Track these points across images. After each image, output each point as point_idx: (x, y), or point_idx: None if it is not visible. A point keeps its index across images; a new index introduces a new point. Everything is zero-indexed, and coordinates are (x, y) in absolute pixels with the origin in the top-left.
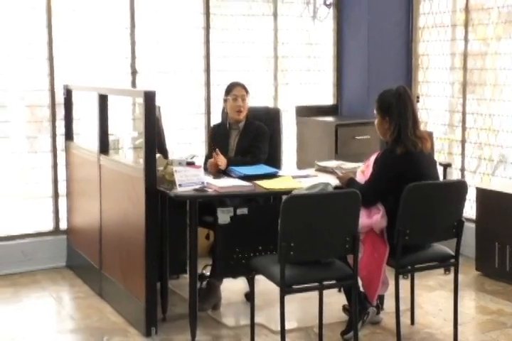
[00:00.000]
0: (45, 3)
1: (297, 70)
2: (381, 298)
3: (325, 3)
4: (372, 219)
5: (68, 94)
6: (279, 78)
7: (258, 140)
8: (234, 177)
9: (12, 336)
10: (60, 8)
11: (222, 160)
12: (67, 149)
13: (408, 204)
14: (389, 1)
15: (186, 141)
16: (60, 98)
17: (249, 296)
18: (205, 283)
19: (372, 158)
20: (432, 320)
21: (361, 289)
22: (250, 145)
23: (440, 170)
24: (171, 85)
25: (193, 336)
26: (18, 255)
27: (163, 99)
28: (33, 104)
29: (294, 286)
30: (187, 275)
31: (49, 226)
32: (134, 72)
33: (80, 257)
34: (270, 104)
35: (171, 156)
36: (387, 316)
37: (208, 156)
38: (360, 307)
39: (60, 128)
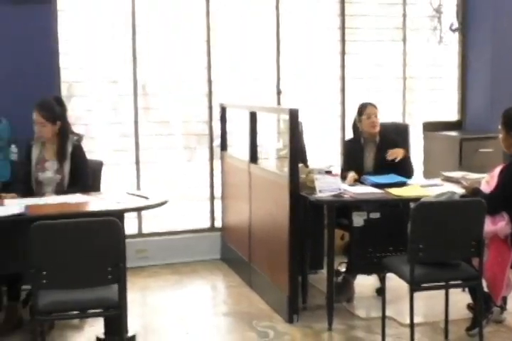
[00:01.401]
0: (205, 33)
1: (423, 89)
2: (505, 299)
3: (450, 28)
4: (497, 225)
5: (223, 111)
6: (407, 97)
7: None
8: (367, 185)
9: (178, 316)
10: (217, 38)
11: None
12: (222, 158)
13: None
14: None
15: (324, 152)
16: (216, 114)
17: (381, 291)
18: (340, 278)
19: (498, 170)
20: None
21: (485, 289)
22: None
23: None
24: (310, 103)
25: (330, 324)
26: (181, 248)
27: (304, 116)
28: (191, 119)
29: (423, 284)
30: (324, 271)
31: (206, 224)
32: (279, 92)
33: (232, 251)
34: (399, 121)
35: (312, 166)
36: (510, 316)
37: (344, 167)
38: (485, 307)
39: (216, 141)
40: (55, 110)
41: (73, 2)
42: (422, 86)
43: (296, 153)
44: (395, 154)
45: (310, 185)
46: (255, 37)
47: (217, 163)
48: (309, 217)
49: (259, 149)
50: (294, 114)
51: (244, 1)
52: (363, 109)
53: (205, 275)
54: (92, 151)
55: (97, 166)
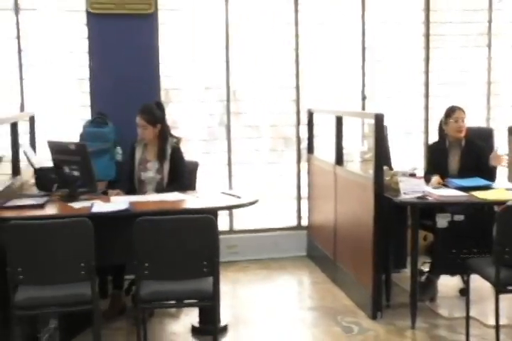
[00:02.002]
0: (293, 42)
1: (508, 94)
2: None
3: None
4: None
5: (310, 116)
6: (492, 101)
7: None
8: (451, 188)
9: (266, 308)
10: (305, 45)
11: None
12: (309, 161)
13: None
14: None
15: (407, 156)
16: (303, 119)
17: (464, 292)
18: (423, 277)
19: None
20: None
21: None
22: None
23: None
24: (394, 108)
25: (413, 322)
26: (269, 244)
27: (388, 120)
28: (279, 124)
29: (509, 287)
30: (407, 270)
31: (293, 222)
32: (364, 98)
33: (318, 249)
34: (483, 125)
35: (396, 168)
36: None
37: (428, 170)
38: None
39: (303, 144)
40: (156, 114)
41: (172, 16)
42: (507, 91)
43: (381, 156)
44: (499, 160)
45: (394, 186)
46: (342, 45)
47: (303, 165)
48: (392, 218)
49: (344, 152)
50: (379, 119)
51: (330, 10)
52: (451, 112)
53: (292, 271)
54: (188, 152)
55: (193, 167)
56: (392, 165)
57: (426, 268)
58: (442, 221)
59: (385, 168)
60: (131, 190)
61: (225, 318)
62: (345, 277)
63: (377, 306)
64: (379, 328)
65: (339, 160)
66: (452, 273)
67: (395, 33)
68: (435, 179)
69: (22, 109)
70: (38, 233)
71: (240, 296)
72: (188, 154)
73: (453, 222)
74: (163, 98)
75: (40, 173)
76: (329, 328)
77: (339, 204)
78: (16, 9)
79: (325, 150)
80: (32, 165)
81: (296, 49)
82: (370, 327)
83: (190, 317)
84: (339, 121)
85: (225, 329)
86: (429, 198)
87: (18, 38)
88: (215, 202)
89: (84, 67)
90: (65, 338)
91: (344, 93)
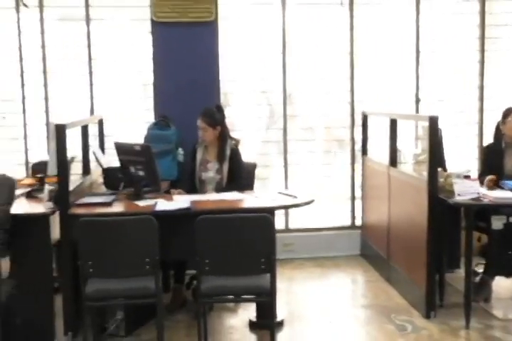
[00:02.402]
0: (348, 46)
1: None
2: None
3: None
4: None
5: (365, 118)
6: None
7: None
8: (506, 190)
9: (320, 305)
10: (359, 49)
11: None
12: (363, 162)
13: None
14: None
15: (461, 158)
16: (357, 121)
17: None
18: (478, 278)
19: None
20: None
21: None
22: None
23: None
24: (448, 110)
25: (467, 323)
26: (323, 243)
27: (442, 123)
28: (332, 126)
29: None
30: (460, 270)
31: (347, 222)
32: (417, 101)
33: (371, 248)
34: None
35: (450, 170)
36: None
37: (482, 172)
38: None
39: (357, 145)
40: (216, 117)
41: (231, 23)
42: None
43: (436, 158)
44: None
45: (449, 188)
46: (396, 48)
47: (357, 166)
48: (446, 219)
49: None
50: (433, 121)
51: (384, 14)
52: (508, 112)
53: (346, 269)
54: (246, 154)
55: (251, 168)
56: (447, 167)
57: (480, 269)
58: (498, 223)
59: (440, 169)
60: (192, 190)
61: (281, 314)
62: (398, 276)
63: (431, 305)
64: (432, 327)
65: (393, 161)
66: (507, 275)
67: (450, 36)
68: (489, 178)
69: (92, 112)
70: (106, 229)
71: (295, 293)
72: (246, 155)
73: (508, 223)
74: (222, 101)
75: (108, 173)
76: (383, 326)
77: (393, 205)
78: (87, 20)
79: (379, 151)
80: (100, 165)
81: (351, 53)
82: (424, 326)
83: (248, 311)
84: (393, 123)
85: (281, 324)
86: (484, 200)
87: (89, 46)
88: (272, 202)
89: (149, 72)
90: (130, 329)
91: (397, 95)
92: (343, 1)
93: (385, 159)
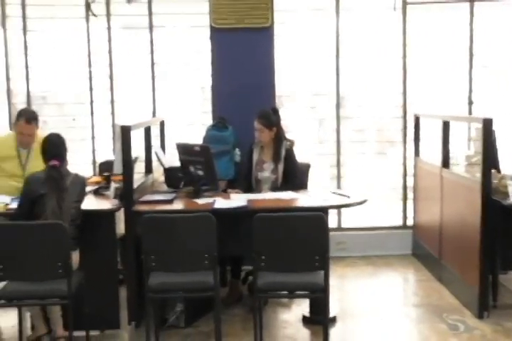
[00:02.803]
0: (401, 51)
1: None
2: None
3: None
4: None
5: (417, 120)
6: None
7: None
8: None
9: (372, 303)
10: (412, 53)
11: None
12: (415, 163)
13: None
14: None
15: None
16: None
17: None
18: None
19: None
20: None
21: None
22: None
23: None
24: (500, 112)
25: None
26: (375, 242)
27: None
28: (384, 128)
29: None
30: None
31: (399, 221)
32: (470, 103)
33: (423, 248)
34: None
35: (504, 172)
36: None
37: None
38: None
39: (409, 147)
40: (272, 119)
41: (287, 28)
42: None
43: (489, 159)
44: None
45: (503, 190)
46: (449, 51)
47: (409, 167)
48: (500, 220)
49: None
50: (487, 123)
51: (440, 18)
52: None
53: (397, 268)
54: (300, 154)
55: (305, 168)
56: (501, 169)
57: None
58: None
59: (493, 171)
60: (248, 189)
61: (333, 310)
62: (450, 276)
63: (484, 306)
64: (485, 328)
65: (446, 163)
66: None
67: (503, 39)
68: None
69: (154, 115)
70: (168, 225)
71: (347, 290)
72: (301, 156)
73: None
74: (276, 103)
75: (169, 172)
76: (435, 325)
77: (445, 206)
78: (150, 27)
79: (430, 153)
80: (162, 164)
81: (404, 56)
82: (477, 326)
83: (301, 307)
84: (446, 125)
85: (334, 320)
86: None
87: (152, 52)
88: (326, 201)
89: (207, 76)
90: (189, 320)
91: (450, 98)
92: (396, 5)
93: (438, 160)
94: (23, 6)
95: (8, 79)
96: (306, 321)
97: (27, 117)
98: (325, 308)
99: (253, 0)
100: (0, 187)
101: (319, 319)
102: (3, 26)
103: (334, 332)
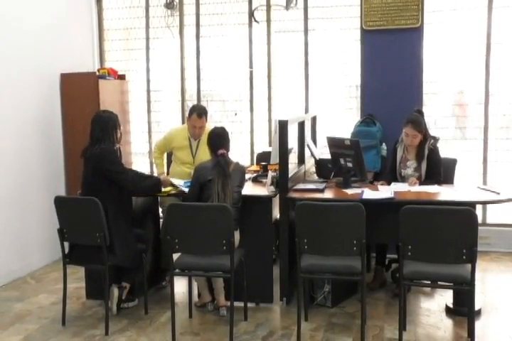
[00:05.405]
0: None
1: None
2: None
3: None
4: None
5: None
6: None
7: None
8: None
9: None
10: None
11: None
12: None
13: None
14: None
15: None
16: None
17: None
18: None
19: None
20: None
21: None
22: None
23: None
24: None
25: None
26: None
27: None
28: None
29: None
30: None
31: None
32: None
33: None
34: None
35: None
36: None
37: None
38: None
39: None
40: (423, 123)
41: (436, 29)
42: None
43: None
44: None
45: None
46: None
47: None
48: None
49: None
50: None
51: None
52: None
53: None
54: (445, 150)
55: (451, 163)
56: None
57: None
58: None
59: None
60: (393, 182)
61: (477, 303)
62: None
63: None
64: None
65: None
66: None
67: None
68: None
69: (306, 111)
70: (320, 213)
71: (490, 284)
72: (446, 152)
73: None
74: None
75: (320, 163)
76: None
77: None
78: (305, 31)
79: None
80: (314, 156)
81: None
82: None
83: (443, 297)
84: None
85: (479, 313)
86: None
87: (306, 54)
88: (473, 196)
89: (355, 75)
90: (335, 301)
91: None
92: None
93: None
94: (197, 15)
95: (182, 79)
96: (449, 311)
97: (199, 112)
98: (471, 301)
99: (403, 2)
100: (175, 172)
101: (464, 311)
102: (181, 34)
103: (478, 325)
